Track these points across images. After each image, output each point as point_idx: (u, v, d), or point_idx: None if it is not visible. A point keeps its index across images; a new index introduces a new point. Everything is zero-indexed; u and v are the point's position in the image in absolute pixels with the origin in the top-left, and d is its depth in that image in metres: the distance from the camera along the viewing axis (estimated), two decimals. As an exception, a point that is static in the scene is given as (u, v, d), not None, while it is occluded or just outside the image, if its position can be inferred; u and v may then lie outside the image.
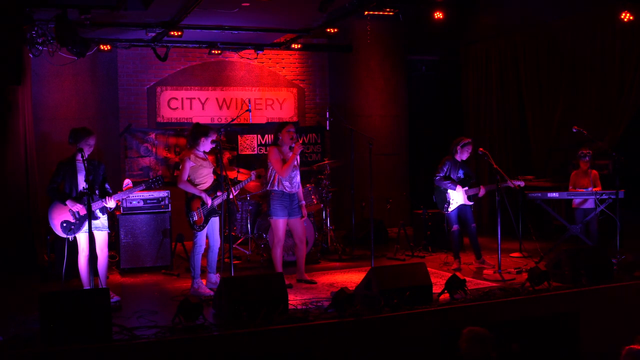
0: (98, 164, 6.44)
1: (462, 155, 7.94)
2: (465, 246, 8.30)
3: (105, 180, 6.49)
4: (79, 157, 6.28)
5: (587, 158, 8.41)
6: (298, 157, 7.21)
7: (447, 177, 7.90)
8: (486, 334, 4.62)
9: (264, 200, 8.93)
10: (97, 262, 6.29)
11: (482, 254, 7.97)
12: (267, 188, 7.30)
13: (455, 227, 7.94)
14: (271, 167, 7.17)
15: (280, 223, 7.18)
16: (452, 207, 7.88)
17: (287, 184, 7.16)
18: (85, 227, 6.23)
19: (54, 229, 6.33)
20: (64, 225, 6.27)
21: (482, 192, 7.90)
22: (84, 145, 6.27)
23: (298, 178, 7.29)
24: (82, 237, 6.34)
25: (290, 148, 7.18)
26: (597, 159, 8.80)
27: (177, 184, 6.90)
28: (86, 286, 6.37)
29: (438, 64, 12.23)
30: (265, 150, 10.61)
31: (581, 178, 8.48)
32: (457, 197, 7.86)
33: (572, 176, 8.59)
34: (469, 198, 7.89)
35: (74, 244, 6.43)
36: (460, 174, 7.93)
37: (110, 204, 6.39)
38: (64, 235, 6.31)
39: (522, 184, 8.00)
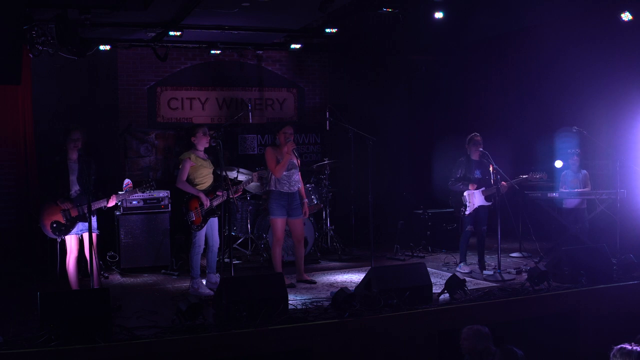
0: (89, 163, 6.27)
1: (473, 154, 7.65)
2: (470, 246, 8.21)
3: (97, 179, 6.37)
4: (70, 155, 6.27)
5: (575, 157, 8.41)
6: (295, 157, 7.21)
7: (460, 179, 7.64)
8: (484, 329, 4.66)
9: (265, 201, 8.94)
10: (86, 264, 6.24)
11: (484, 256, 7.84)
12: (266, 188, 7.33)
13: (469, 227, 7.68)
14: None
15: (278, 222, 7.19)
16: (469, 210, 7.59)
17: (284, 183, 7.17)
18: (75, 229, 6.21)
19: (43, 229, 6.23)
20: (54, 226, 6.19)
21: (504, 188, 7.48)
22: (69, 141, 6.22)
23: (297, 177, 7.30)
24: (71, 239, 6.31)
25: None
26: (597, 159, 8.79)
27: (176, 183, 6.91)
28: (74, 287, 6.33)
29: (438, 64, 12.22)
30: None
31: (570, 177, 8.47)
32: (474, 199, 7.59)
33: (562, 176, 8.59)
34: (487, 198, 7.60)
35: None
36: (478, 174, 7.63)
37: (111, 203, 6.36)
38: (53, 236, 6.25)
39: (544, 176, 7.78)
